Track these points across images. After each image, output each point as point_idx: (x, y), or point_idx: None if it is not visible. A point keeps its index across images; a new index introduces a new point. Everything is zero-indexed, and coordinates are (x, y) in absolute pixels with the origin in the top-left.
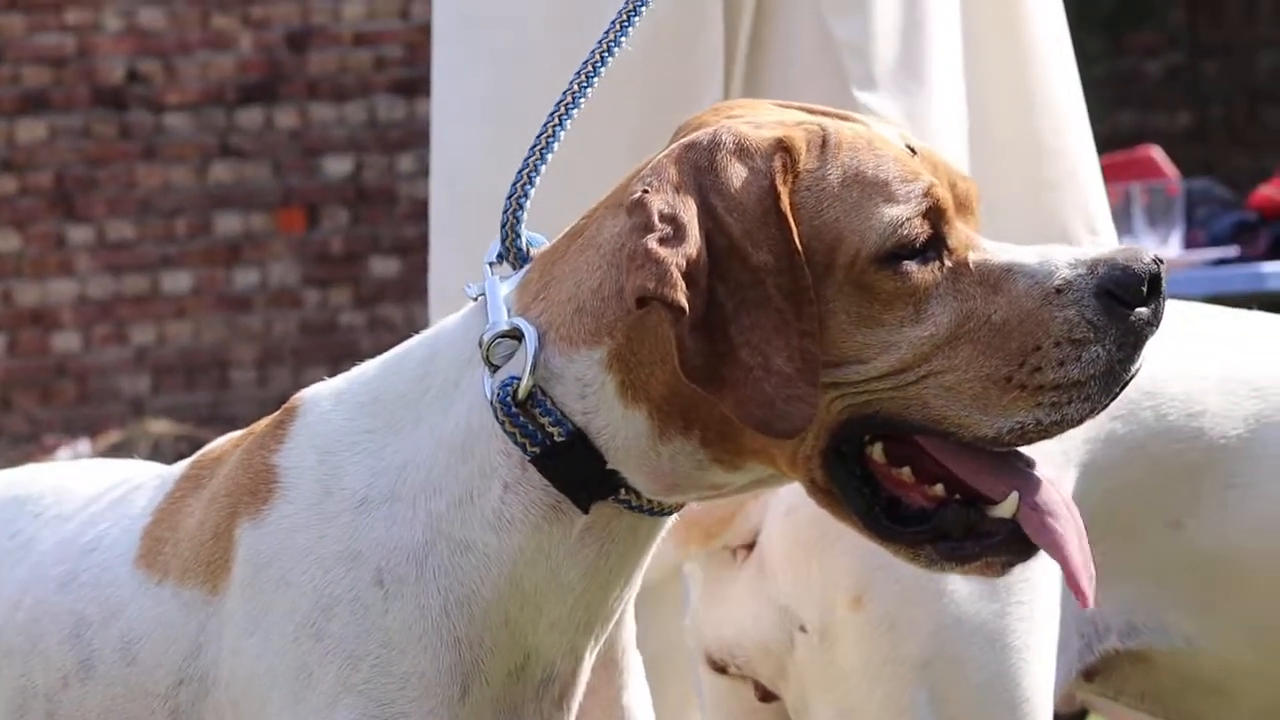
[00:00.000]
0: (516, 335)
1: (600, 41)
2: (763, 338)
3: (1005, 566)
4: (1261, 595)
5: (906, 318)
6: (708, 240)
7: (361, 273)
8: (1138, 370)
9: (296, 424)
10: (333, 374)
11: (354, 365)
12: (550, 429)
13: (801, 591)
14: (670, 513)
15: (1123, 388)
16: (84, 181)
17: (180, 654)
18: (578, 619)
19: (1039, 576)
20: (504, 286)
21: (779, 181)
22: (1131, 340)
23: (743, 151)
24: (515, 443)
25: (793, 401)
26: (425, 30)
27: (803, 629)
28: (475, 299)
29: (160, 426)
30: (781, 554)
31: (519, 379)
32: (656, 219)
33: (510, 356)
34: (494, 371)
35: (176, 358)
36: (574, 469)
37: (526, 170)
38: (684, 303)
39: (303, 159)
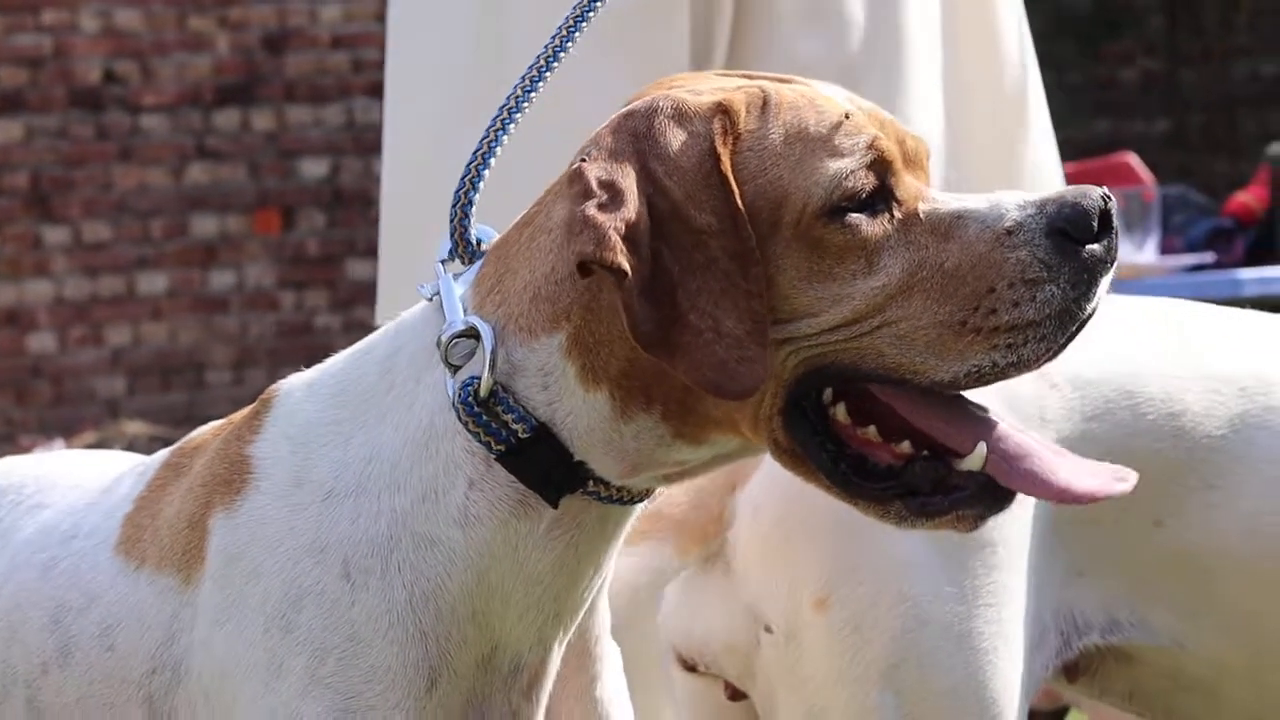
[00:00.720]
0: (474, 334)
1: (546, 47)
2: (711, 300)
3: (977, 520)
4: (1246, 596)
5: (859, 270)
6: (650, 205)
7: (337, 275)
8: (1094, 310)
9: (271, 415)
10: None
11: None
12: (514, 425)
13: (767, 592)
14: (640, 500)
15: (1080, 327)
16: (60, 182)
17: (154, 642)
18: (546, 610)
19: (1008, 578)
20: (458, 285)
21: (719, 143)
22: (1086, 278)
23: (681, 116)
24: (480, 441)
25: (745, 363)
26: None
27: (768, 629)
28: (430, 299)
29: (135, 428)
30: (748, 553)
31: (479, 379)
32: (595, 185)
33: (470, 355)
34: (454, 372)
35: (152, 359)
36: (541, 464)
37: (472, 168)
38: (624, 264)
39: (279, 161)
